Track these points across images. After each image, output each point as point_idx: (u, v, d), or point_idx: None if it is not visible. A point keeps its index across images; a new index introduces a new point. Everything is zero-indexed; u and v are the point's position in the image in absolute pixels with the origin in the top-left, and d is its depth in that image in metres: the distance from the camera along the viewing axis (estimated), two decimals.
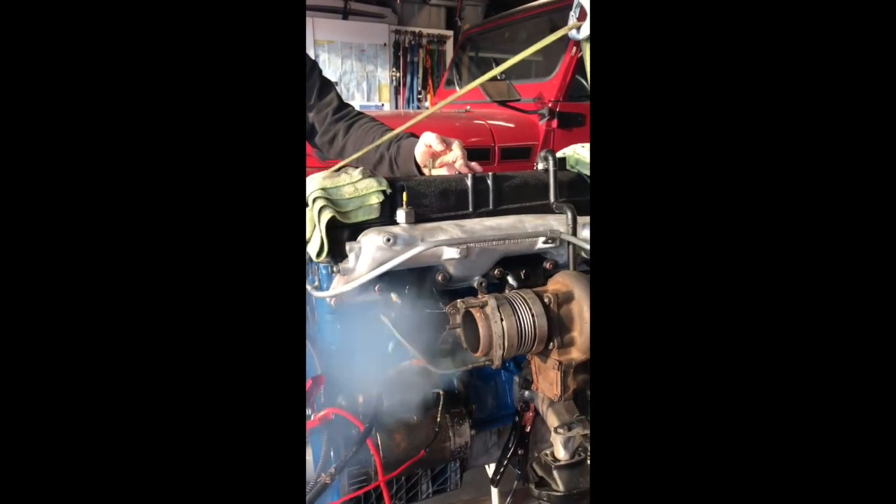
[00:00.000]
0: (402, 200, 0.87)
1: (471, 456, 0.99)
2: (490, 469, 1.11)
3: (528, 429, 0.98)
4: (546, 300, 0.75)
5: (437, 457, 0.90)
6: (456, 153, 1.12)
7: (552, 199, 0.96)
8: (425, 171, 1.17)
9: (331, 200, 0.83)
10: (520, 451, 0.99)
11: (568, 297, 0.76)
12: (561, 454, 0.84)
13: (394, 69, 6.30)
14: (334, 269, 0.82)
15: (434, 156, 1.15)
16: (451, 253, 0.83)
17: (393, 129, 1.17)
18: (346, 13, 6.10)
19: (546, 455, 0.85)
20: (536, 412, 0.91)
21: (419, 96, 6.41)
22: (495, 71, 1.06)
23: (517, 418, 0.98)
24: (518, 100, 2.77)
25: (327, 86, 1.37)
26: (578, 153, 1.07)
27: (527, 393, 0.91)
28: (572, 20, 0.73)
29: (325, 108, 1.34)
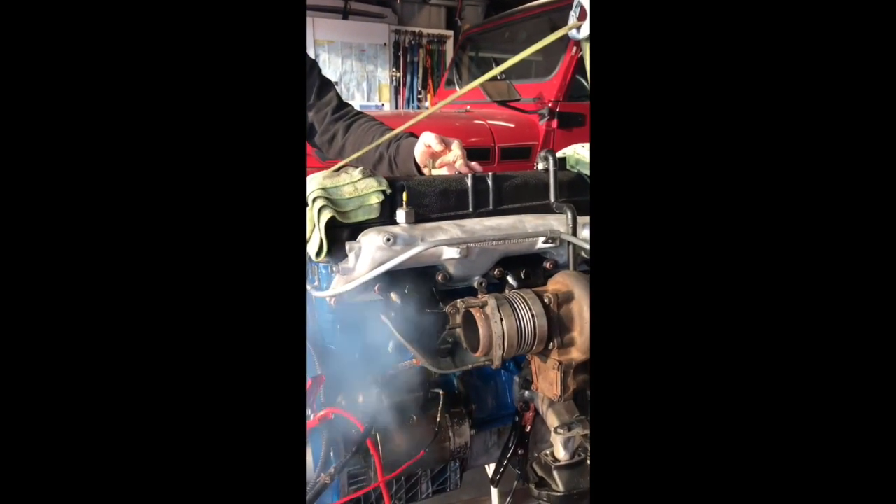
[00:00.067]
0: (401, 200, 0.87)
1: (471, 456, 0.99)
2: (490, 469, 1.11)
3: (528, 429, 0.98)
4: (546, 300, 0.75)
5: (437, 457, 0.90)
6: (456, 153, 1.12)
7: (552, 198, 0.96)
8: (425, 170, 1.17)
9: (330, 200, 0.83)
10: (520, 452, 0.99)
11: (568, 297, 0.76)
12: (561, 454, 0.84)
13: (394, 69, 6.30)
14: (334, 268, 0.82)
15: (433, 156, 1.15)
16: (451, 253, 0.83)
17: (392, 129, 1.17)
18: (346, 13, 6.10)
19: (546, 455, 0.85)
20: (536, 412, 0.91)
21: (419, 96, 6.41)
22: (495, 71, 1.06)
23: (517, 418, 0.98)
24: (518, 100, 2.77)
25: (327, 85, 1.37)
26: (578, 153, 1.07)
27: (527, 393, 0.91)
28: (572, 20, 0.73)
29: (325, 107, 1.34)
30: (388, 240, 0.81)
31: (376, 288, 0.85)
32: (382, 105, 6.26)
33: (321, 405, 0.85)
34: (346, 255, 0.82)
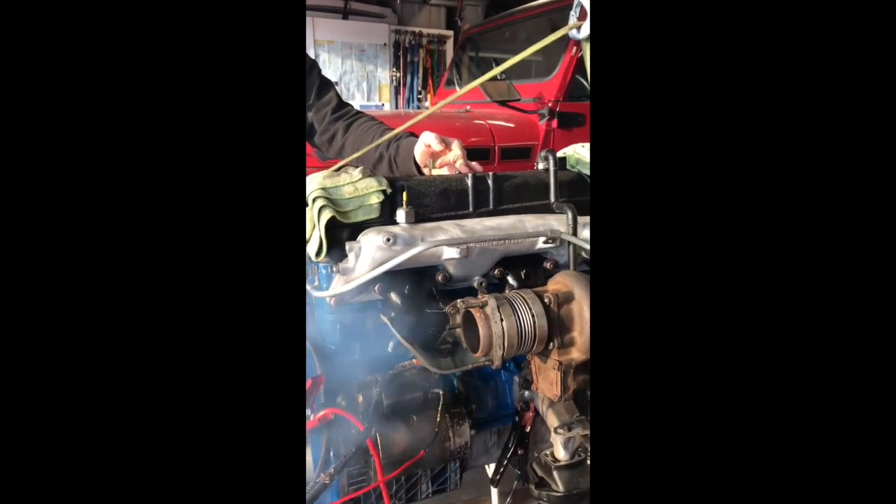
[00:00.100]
0: (402, 200, 0.87)
1: (471, 456, 0.99)
2: (490, 469, 1.11)
3: (528, 429, 0.98)
4: (546, 300, 0.75)
5: (437, 457, 0.89)
6: (456, 153, 1.12)
7: (552, 198, 0.96)
8: (425, 170, 1.17)
9: (330, 200, 0.83)
10: (520, 452, 0.99)
11: (568, 298, 0.76)
12: (561, 454, 0.84)
13: (394, 69, 6.30)
14: (334, 269, 0.82)
15: (433, 155, 1.15)
16: (451, 253, 0.83)
17: (392, 129, 1.17)
18: (346, 13, 6.10)
19: (546, 455, 0.85)
20: (536, 412, 0.91)
21: (419, 96, 6.41)
22: (495, 71, 1.05)
23: (517, 418, 0.98)
24: (518, 100, 2.77)
25: (326, 85, 1.37)
26: (579, 153, 1.07)
27: (527, 393, 0.91)
28: (573, 20, 0.73)
29: (324, 107, 1.34)
30: (388, 240, 0.81)
31: (376, 288, 0.85)
32: (382, 105, 6.26)
33: (321, 405, 0.85)
34: (345, 255, 0.82)
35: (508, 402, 1.00)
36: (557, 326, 0.75)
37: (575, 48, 2.95)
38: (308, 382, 0.84)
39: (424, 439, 0.87)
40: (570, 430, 0.79)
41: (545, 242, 0.89)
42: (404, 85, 6.38)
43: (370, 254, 0.80)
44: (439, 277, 0.87)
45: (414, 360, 0.88)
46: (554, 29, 0.76)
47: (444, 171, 1.14)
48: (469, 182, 0.94)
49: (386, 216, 0.87)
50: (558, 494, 0.81)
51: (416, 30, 6.41)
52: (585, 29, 0.72)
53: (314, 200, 0.81)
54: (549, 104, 2.99)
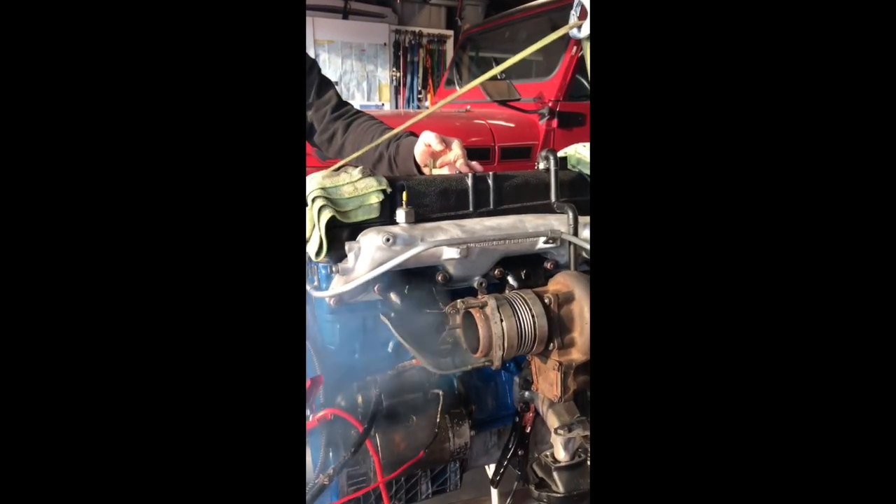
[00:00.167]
0: (401, 200, 0.87)
1: (471, 456, 0.98)
2: (490, 470, 1.11)
3: (528, 429, 0.98)
4: (546, 301, 0.75)
5: (437, 457, 0.89)
6: (456, 152, 1.11)
7: (553, 198, 0.96)
8: (425, 170, 1.17)
9: (330, 200, 0.82)
10: (520, 452, 0.99)
11: (568, 298, 0.76)
12: (561, 455, 0.83)
13: (394, 69, 6.30)
14: (334, 269, 0.82)
15: (433, 155, 1.15)
16: (451, 253, 0.83)
17: (392, 129, 1.17)
18: (346, 13, 6.10)
19: (546, 456, 0.85)
20: (537, 413, 0.91)
21: (419, 96, 6.41)
22: (495, 70, 1.05)
23: (517, 419, 0.98)
24: (518, 99, 2.77)
25: (326, 84, 1.36)
26: (580, 152, 1.06)
27: (527, 393, 0.91)
28: (573, 19, 0.73)
29: (324, 106, 1.34)
30: (388, 240, 0.80)
31: (376, 288, 0.85)
32: (382, 105, 6.26)
33: (320, 406, 0.85)
34: (345, 255, 0.82)
35: (508, 403, 1.00)
36: (558, 327, 0.75)
37: (575, 48, 2.95)
38: (307, 383, 0.83)
39: (424, 440, 0.86)
40: (570, 430, 0.79)
41: (546, 242, 0.89)
42: (404, 85, 6.38)
43: (370, 254, 0.80)
44: (439, 277, 0.87)
45: (413, 361, 0.88)
46: (554, 29, 0.75)
47: (445, 171, 1.13)
48: (469, 182, 0.93)
49: (386, 216, 0.87)
50: (558, 495, 0.81)
51: (417, 29, 6.41)
52: (586, 28, 0.71)
53: (314, 200, 0.81)
54: (550, 104, 2.99)
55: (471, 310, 0.75)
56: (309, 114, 1.35)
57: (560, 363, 0.76)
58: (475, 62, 3.97)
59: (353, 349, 0.91)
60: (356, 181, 0.86)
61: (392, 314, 0.85)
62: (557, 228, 0.89)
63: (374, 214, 0.86)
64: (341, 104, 1.36)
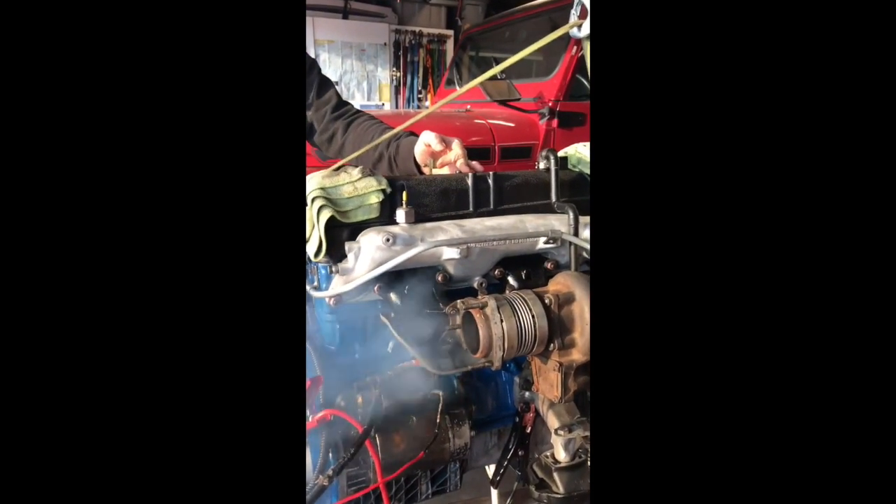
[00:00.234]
0: (401, 200, 0.87)
1: (471, 457, 0.98)
2: (490, 470, 1.11)
3: (528, 430, 0.98)
4: (547, 301, 0.75)
5: (437, 458, 0.89)
6: (456, 152, 1.11)
7: (554, 198, 0.96)
8: (425, 170, 1.17)
9: (330, 200, 0.82)
10: (520, 453, 0.99)
11: (569, 298, 0.76)
12: (561, 456, 0.83)
13: (394, 69, 6.30)
14: (333, 269, 0.82)
15: (433, 155, 1.15)
16: (451, 253, 0.83)
17: (392, 128, 1.17)
18: (346, 13, 6.10)
19: (546, 456, 0.85)
20: (537, 413, 0.91)
21: (419, 96, 6.41)
22: (495, 70, 1.05)
23: (517, 419, 0.98)
24: (518, 99, 2.76)
25: (326, 84, 1.36)
26: (580, 152, 1.06)
27: (527, 394, 0.90)
28: (573, 18, 0.73)
29: (324, 106, 1.34)
30: (388, 240, 0.80)
31: (376, 288, 0.84)
32: (383, 105, 6.26)
33: (320, 406, 0.85)
34: (345, 255, 0.82)
35: (509, 403, 0.99)
36: (558, 327, 0.75)
37: (575, 47, 2.95)
38: (307, 383, 0.83)
39: (424, 440, 0.86)
40: (570, 431, 0.79)
41: (546, 243, 0.89)
42: (404, 84, 6.37)
43: (370, 254, 0.80)
44: (439, 278, 0.86)
45: (413, 361, 0.88)
46: (554, 28, 0.75)
47: (445, 171, 1.13)
48: (469, 182, 0.93)
49: (385, 216, 0.87)
50: (558, 496, 0.81)
51: (417, 29, 6.41)
52: (586, 28, 0.71)
53: (313, 200, 0.81)
54: (550, 103, 2.99)
55: (471, 310, 0.75)
56: (309, 114, 1.34)
57: (560, 364, 0.75)
58: (475, 62, 3.97)
59: (353, 349, 0.90)
60: (356, 181, 0.85)
61: (392, 314, 0.85)
62: (558, 228, 0.89)
63: (374, 214, 0.86)
64: (341, 104, 1.36)
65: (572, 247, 0.87)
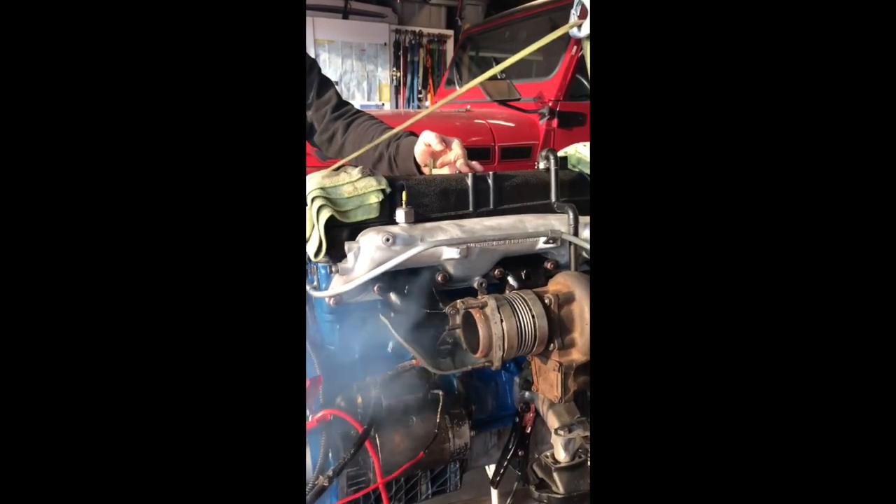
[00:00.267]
0: (401, 200, 0.86)
1: (471, 457, 0.98)
2: (490, 470, 1.11)
3: (528, 430, 0.98)
4: (546, 301, 0.74)
5: (437, 458, 0.89)
6: (456, 152, 1.11)
7: (553, 198, 0.96)
8: (425, 170, 1.17)
9: (329, 200, 0.82)
10: (520, 453, 0.99)
11: (569, 298, 0.76)
12: (561, 456, 0.83)
13: (394, 69, 6.30)
14: (333, 268, 0.81)
15: (433, 155, 1.15)
16: (450, 253, 0.83)
17: (392, 128, 1.16)
18: (346, 13, 6.10)
19: (546, 457, 0.85)
20: (537, 413, 0.91)
21: (419, 96, 6.41)
22: (494, 70, 1.05)
23: (517, 419, 0.98)
24: (518, 99, 2.76)
25: (326, 84, 1.36)
26: (580, 152, 1.06)
27: (527, 394, 0.90)
28: (573, 18, 0.73)
29: (324, 106, 1.33)
30: (388, 240, 0.80)
31: (375, 288, 0.84)
32: (383, 105, 6.26)
33: (319, 406, 0.84)
34: (345, 255, 0.82)
35: (509, 403, 0.99)
36: (558, 327, 0.75)
37: (575, 47, 2.95)
38: (307, 383, 0.83)
39: (424, 440, 0.86)
40: (570, 431, 0.79)
41: (546, 242, 0.89)
42: (404, 85, 6.37)
43: (369, 254, 0.80)
44: (439, 278, 0.86)
45: (413, 361, 0.88)
46: (554, 28, 0.75)
47: (445, 171, 1.13)
48: (469, 182, 0.93)
49: (385, 216, 0.87)
50: (558, 496, 0.81)
51: (417, 29, 6.41)
52: (586, 27, 0.71)
53: (313, 200, 0.81)
54: (550, 103, 2.98)
55: (471, 310, 0.75)
56: (309, 114, 1.34)
57: (560, 364, 0.75)
58: (475, 62, 3.96)
59: (353, 349, 0.90)
60: (355, 181, 0.85)
61: (392, 314, 0.85)
62: (558, 228, 0.89)
63: (374, 214, 0.86)
64: (341, 104, 1.36)
65: (572, 247, 0.87)
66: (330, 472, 0.78)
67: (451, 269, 0.86)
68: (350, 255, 0.81)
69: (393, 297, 0.85)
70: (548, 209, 0.96)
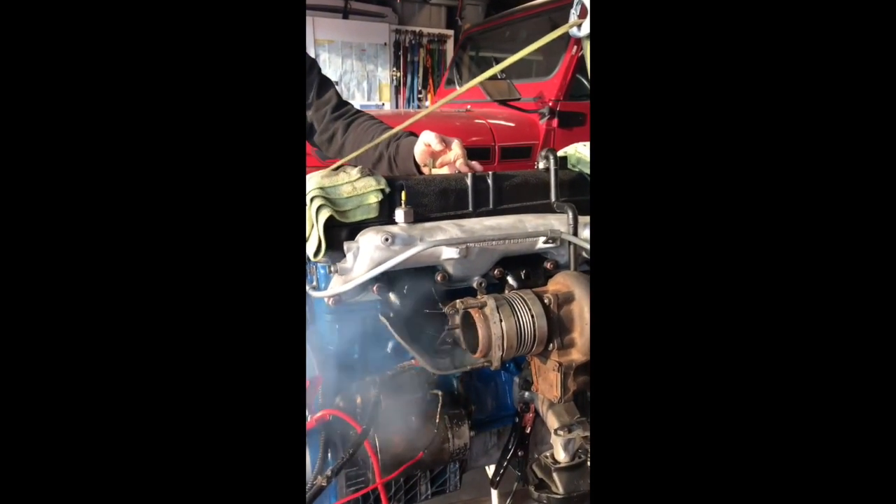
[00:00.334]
0: (400, 200, 0.86)
1: (470, 457, 0.98)
2: (490, 470, 1.11)
3: (528, 430, 0.97)
4: (546, 301, 0.74)
5: (436, 458, 0.89)
6: (456, 152, 1.11)
7: (553, 198, 0.96)
8: (424, 170, 1.17)
9: (329, 199, 0.82)
10: (520, 453, 0.98)
11: (568, 298, 0.76)
12: (561, 456, 0.83)
13: (394, 69, 6.30)
14: (332, 268, 0.81)
15: (433, 155, 1.15)
16: (450, 253, 0.83)
17: (392, 128, 1.16)
18: (346, 12, 6.10)
19: (546, 457, 0.85)
20: (536, 413, 0.91)
21: (419, 96, 6.41)
22: (494, 69, 1.05)
23: (517, 419, 0.98)
24: (518, 99, 2.76)
25: (326, 84, 1.36)
26: (580, 152, 1.06)
27: (527, 394, 0.90)
28: (573, 18, 0.73)
29: (324, 106, 1.33)
30: (387, 239, 0.80)
31: (375, 288, 0.84)
32: (383, 105, 6.26)
33: (319, 406, 0.84)
34: (344, 255, 0.81)
35: (508, 403, 0.99)
36: (557, 327, 0.75)
37: (575, 47, 2.95)
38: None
39: (423, 441, 0.86)
40: (570, 431, 0.79)
41: (545, 242, 0.88)
42: (404, 84, 6.37)
43: (369, 254, 0.80)
44: (438, 277, 0.86)
45: (413, 361, 0.87)
46: (554, 28, 0.75)
47: (444, 171, 1.13)
48: (469, 181, 0.93)
49: (385, 216, 0.86)
50: (558, 496, 0.81)
51: (417, 29, 6.41)
52: (586, 27, 0.71)
53: (312, 200, 0.81)
54: (550, 103, 2.98)
55: (470, 310, 0.74)
56: (309, 114, 1.34)
57: (560, 364, 0.75)
58: (475, 62, 3.96)
59: (352, 349, 0.90)
60: (355, 181, 0.85)
61: (391, 314, 0.85)
62: (557, 228, 0.89)
63: (373, 214, 0.86)
64: (341, 104, 1.36)
65: (571, 246, 0.87)
66: (329, 472, 0.78)
67: (450, 269, 0.86)
68: (349, 255, 0.81)
69: (392, 296, 0.85)
70: (547, 209, 0.96)
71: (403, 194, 0.86)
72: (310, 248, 0.82)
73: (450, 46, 6.41)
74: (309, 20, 5.63)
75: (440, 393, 0.89)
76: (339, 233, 0.83)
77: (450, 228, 0.86)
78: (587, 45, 0.73)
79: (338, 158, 1.14)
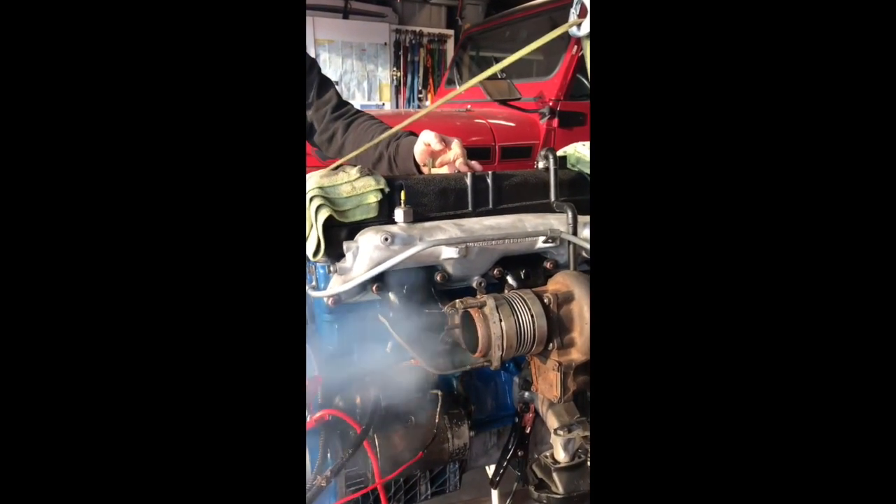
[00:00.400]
0: (400, 199, 0.86)
1: (470, 457, 0.98)
2: (490, 470, 1.10)
3: (527, 430, 0.97)
4: (546, 300, 0.74)
5: (436, 458, 0.89)
6: (456, 151, 1.11)
7: (553, 198, 0.96)
8: (424, 169, 1.17)
9: (328, 199, 0.82)
10: (519, 453, 0.98)
11: (568, 298, 0.76)
12: (561, 456, 0.83)
13: (394, 68, 6.29)
14: (332, 268, 0.81)
15: (433, 154, 1.15)
16: (449, 252, 0.82)
17: (392, 128, 1.16)
18: (346, 12, 6.10)
19: (546, 457, 0.84)
20: (536, 413, 0.91)
21: (420, 96, 6.41)
22: (494, 69, 1.05)
23: (517, 419, 0.97)
24: (518, 99, 2.76)
25: (326, 84, 1.36)
26: (579, 151, 1.06)
27: (527, 394, 0.90)
28: (573, 17, 0.73)
29: (324, 106, 1.33)
30: (386, 239, 0.80)
31: (374, 288, 0.84)
32: (383, 104, 6.26)
33: (318, 406, 0.84)
34: (343, 255, 0.81)
35: (508, 403, 0.99)
36: (557, 327, 0.75)
37: (575, 47, 2.95)
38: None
39: (423, 440, 0.86)
40: (570, 431, 0.79)
41: (545, 242, 0.88)
42: (405, 84, 6.37)
43: (368, 253, 0.80)
44: (438, 277, 0.86)
45: (412, 361, 0.87)
46: (554, 28, 0.75)
47: (444, 171, 1.13)
48: (468, 181, 0.93)
49: (384, 215, 0.86)
50: (558, 496, 0.81)
51: (417, 29, 6.41)
52: (586, 26, 0.71)
53: (311, 199, 0.81)
54: (550, 103, 2.98)
55: (469, 310, 0.74)
56: (309, 114, 1.34)
57: (560, 363, 0.75)
58: (476, 62, 3.96)
59: (352, 349, 0.90)
60: (354, 180, 0.85)
61: (390, 314, 0.85)
62: (557, 228, 0.89)
63: (373, 214, 0.85)
64: (341, 104, 1.36)
65: (571, 246, 0.87)
66: (328, 473, 0.78)
67: (449, 269, 0.86)
68: (349, 255, 0.81)
69: (391, 296, 0.85)
70: (547, 209, 0.95)
71: (403, 194, 0.86)
72: (309, 248, 0.82)
73: (450, 46, 6.41)
74: (309, 20, 5.63)
75: (440, 393, 0.89)
76: (339, 232, 0.83)
77: (449, 228, 0.85)
78: (587, 45, 0.72)
79: (338, 158, 1.14)
